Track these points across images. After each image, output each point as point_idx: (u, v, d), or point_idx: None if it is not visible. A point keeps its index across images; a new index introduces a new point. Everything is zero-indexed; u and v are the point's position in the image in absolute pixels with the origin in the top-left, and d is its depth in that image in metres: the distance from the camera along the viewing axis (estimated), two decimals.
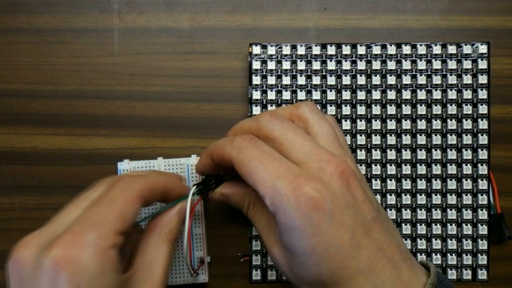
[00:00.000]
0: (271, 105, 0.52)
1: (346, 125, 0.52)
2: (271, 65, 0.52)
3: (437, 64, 0.52)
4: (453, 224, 0.52)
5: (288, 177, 0.37)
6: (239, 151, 0.39)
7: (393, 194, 0.52)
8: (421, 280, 0.38)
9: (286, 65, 0.52)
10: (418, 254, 0.52)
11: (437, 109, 0.52)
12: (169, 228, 0.43)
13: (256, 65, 0.52)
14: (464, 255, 0.52)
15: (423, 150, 0.52)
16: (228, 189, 0.45)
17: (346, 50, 0.52)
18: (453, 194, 0.52)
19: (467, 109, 0.52)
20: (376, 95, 0.52)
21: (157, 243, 0.42)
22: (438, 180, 0.52)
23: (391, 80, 0.52)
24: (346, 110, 0.52)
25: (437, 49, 0.52)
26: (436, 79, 0.52)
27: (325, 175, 0.37)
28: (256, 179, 0.38)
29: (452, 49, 0.52)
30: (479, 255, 0.52)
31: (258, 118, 0.42)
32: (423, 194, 0.52)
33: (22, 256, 0.35)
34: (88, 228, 0.35)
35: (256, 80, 0.52)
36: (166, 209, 0.44)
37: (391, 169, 0.52)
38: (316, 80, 0.52)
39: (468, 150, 0.52)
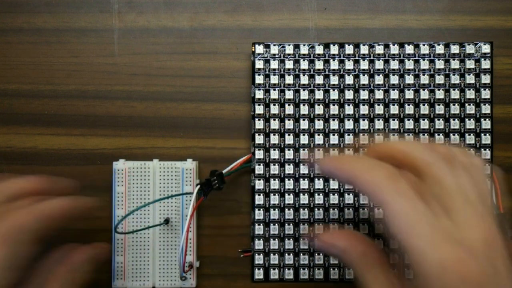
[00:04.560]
0: (274, 105, 0.50)
1: (349, 124, 0.50)
2: (274, 64, 0.50)
3: (440, 64, 0.50)
4: None
5: (440, 244, 0.32)
6: (398, 198, 0.33)
7: None
8: None
9: (289, 64, 0.50)
10: None
11: (440, 109, 0.50)
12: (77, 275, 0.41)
13: (259, 64, 0.50)
14: None
15: None
16: (344, 242, 0.38)
17: (349, 49, 0.50)
18: None
19: (470, 109, 0.49)
20: (379, 94, 0.50)
21: None
22: None
23: (394, 79, 0.50)
24: (349, 109, 0.50)
25: (440, 49, 0.50)
26: (439, 79, 0.50)
27: (474, 243, 0.32)
28: (407, 241, 0.32)
29: (455, 49, 0.50)
30: None
31: (430, 153, 0.36)
32: None
33: None
34: None
35: (259, 79, 0.50)
36: None
37: None
38: (319, 79, 0.50)
39: (471, 150, 0.49)
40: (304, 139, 0.49)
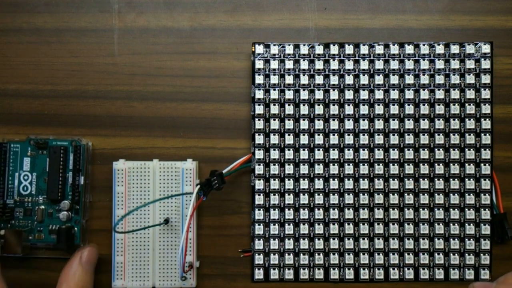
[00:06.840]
0: (274, 105, 0.50)
1: (349, 124, 0.49)
2: (274, 64, 0.50)
3: (440, 64, 0.49)
4: (456, 224, 0.49)
5: None
6: None
7: (396, 194, 0.49)
8: None
9: (289, 64, 0.50)
10: (421, 254, 0.49)
11: (440, 109, 0.49)
12: None
13: (259, 64, 0.50)
14: (466, 255, 0.49)
15: (426, 149, 0.49)
16: None
17: (349, 49, 0.50)
18: (456, 194, 0.49)
19: (470, 109, 0.49)
20: (379, 94, 0.50)
21: None
22: (441, 179, 0.49)
23: (394, 79, 0.50)
24: (349, 109, 0.50)
25: (440, 49, 0.50)
26: (439, 79, 0.49)
27: None
28: None
29: (455, 49, 0.49)
30: (481, 255, 0.49)
31: None
32: (426, 194, 0.49)
33: None
34: None
35: (259, 79, 0.50)
36: None
37: (394, 169, 0.49)
38: (319, 79, 0.50)
39: (471, 150, 0.49)
40: (304, 139, 0.49)
